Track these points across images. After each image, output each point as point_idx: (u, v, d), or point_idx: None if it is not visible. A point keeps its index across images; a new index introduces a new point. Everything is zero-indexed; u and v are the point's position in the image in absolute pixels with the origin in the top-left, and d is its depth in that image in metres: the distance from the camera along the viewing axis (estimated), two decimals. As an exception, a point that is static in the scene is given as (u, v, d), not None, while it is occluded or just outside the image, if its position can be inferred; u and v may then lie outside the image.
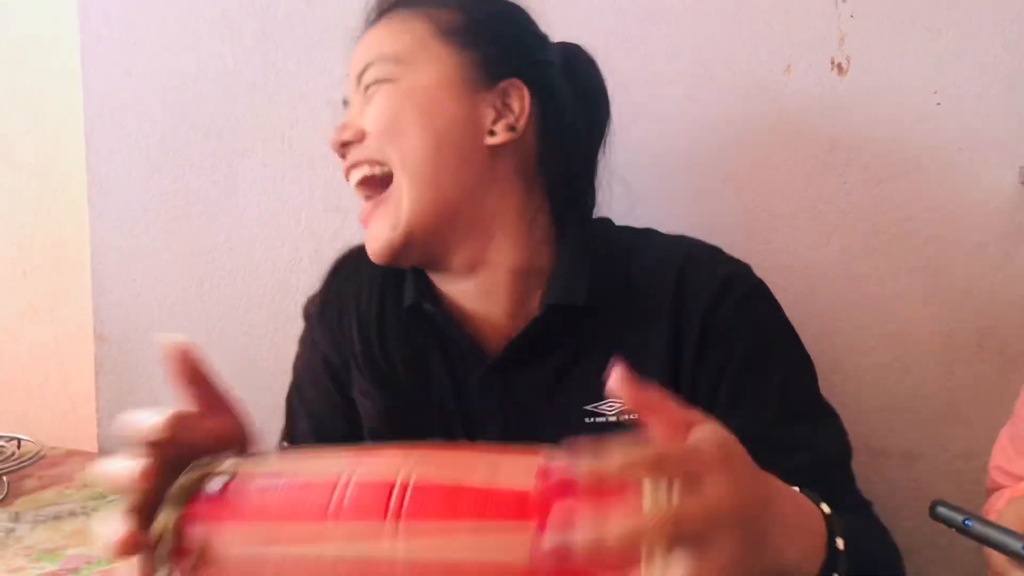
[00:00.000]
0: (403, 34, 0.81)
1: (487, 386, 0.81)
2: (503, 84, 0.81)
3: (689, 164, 1.13)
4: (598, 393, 0.77)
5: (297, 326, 1.13)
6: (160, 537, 0.52)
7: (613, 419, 0.77)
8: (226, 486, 0.53)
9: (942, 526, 0.91)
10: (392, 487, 0.50)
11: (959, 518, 0.63)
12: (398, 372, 0.84)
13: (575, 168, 0.87)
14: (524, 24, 0.87)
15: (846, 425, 1.11)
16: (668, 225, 1.11)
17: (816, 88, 1.10)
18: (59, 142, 1.31)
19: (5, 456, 1.04)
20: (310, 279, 1.11)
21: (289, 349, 1.12)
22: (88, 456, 1.15)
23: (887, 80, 1.09)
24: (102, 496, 0.99)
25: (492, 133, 0.80)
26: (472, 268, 0.81)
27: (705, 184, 1.13)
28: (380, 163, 0.79)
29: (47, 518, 0.92)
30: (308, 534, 0.50)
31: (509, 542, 0.47)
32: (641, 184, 1.12)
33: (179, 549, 0.52)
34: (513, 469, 0.51)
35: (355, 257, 0.91)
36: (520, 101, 0.81)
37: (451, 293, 0.84)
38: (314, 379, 0.90)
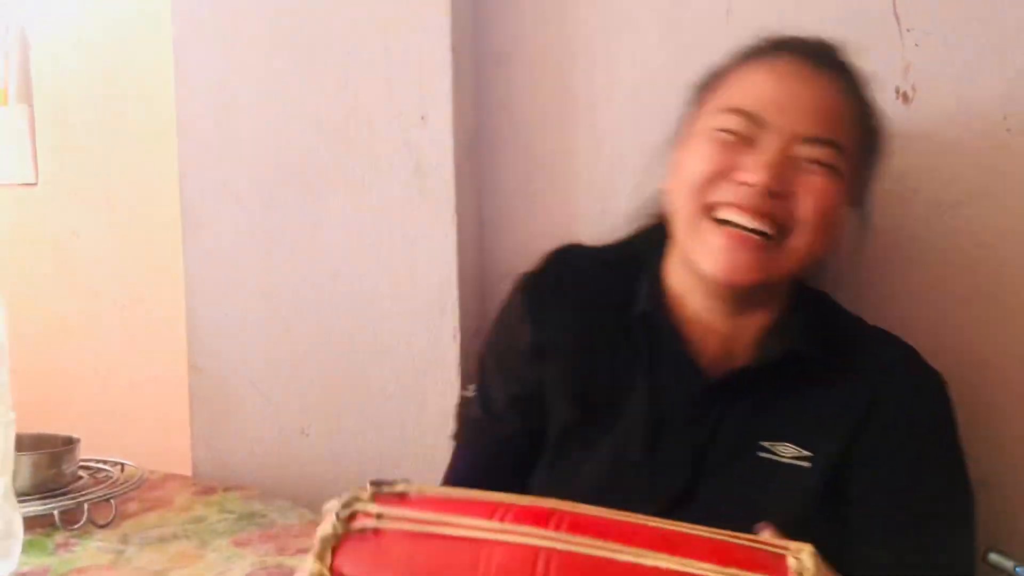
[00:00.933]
0: (854, 134, 0.86)
1: (694, 403, 0.86)
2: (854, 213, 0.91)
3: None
4: (778, 433, 0.85)
5: (378, 358, 1.18)
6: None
7: (785, 460, 0.84)
8: (374, 532, 0.57)
9: (1017, 552, 0.91)
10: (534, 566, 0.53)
11: (1011, 565, 0.64)
12: (598, 391, 0.88)
13: None
14: None
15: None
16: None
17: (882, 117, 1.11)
18: (155, 184, 1.39)
19: (111, 480, 1.11)
20: (389, 312, 1.16)
21: (368, 380, 1.18)
22: (184, 480, 1.22)
23: (954, 107, 1.10)
24: (201, 520, 1.05)
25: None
26: (754, 303, 0.88)
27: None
28: (781, 228, 0.82)
29: (153, 540, 0.98)
30: None
31: None
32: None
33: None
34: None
35: (581, 254, 0.96)
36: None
37: (698, 306, 0.89)
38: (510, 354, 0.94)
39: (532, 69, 1.20)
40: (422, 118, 1.11)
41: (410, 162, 1.12)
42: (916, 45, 1.11)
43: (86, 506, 1.02)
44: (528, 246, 1.24)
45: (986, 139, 1.09)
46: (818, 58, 0.87)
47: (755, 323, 0.89)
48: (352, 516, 0.57)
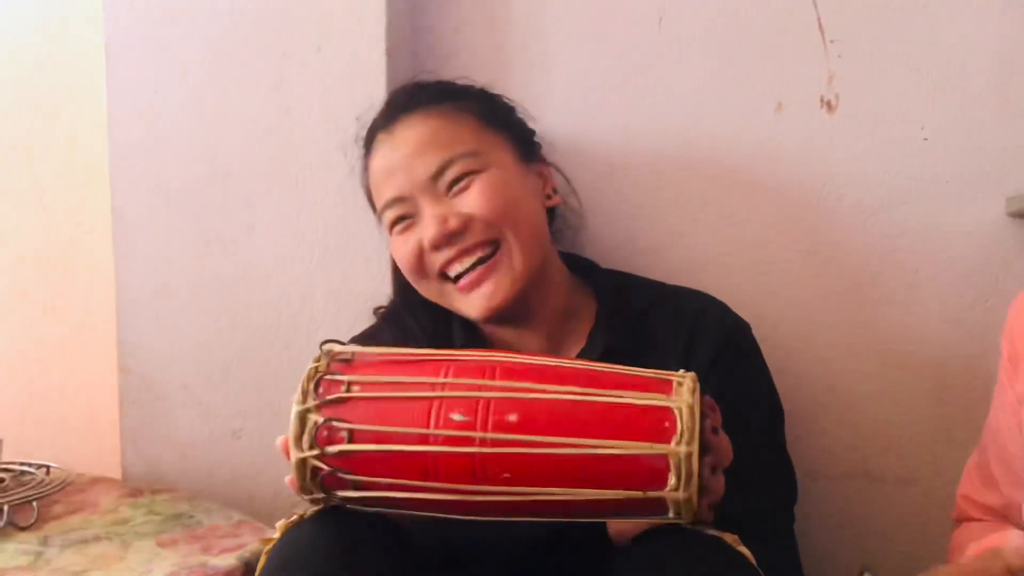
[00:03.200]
0: (462, 131, 0.95)
1: None
2: (538, 164, 1.02)
3: (684, 202, 1.17)
4: None
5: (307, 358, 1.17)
6: (311, 375, 0.72)
7: None
8: (355, 356, 0.73)
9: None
10: (488, 366, 0.70)
11: None
12: None
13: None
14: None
15: (843, 450, 1.15)
16: (666, 262, 1.15)
17: (807, 125, 1.14)
18: (87, 185, 1.37)
19: (35, 483, 1.09)
20: (323, 314, 1.16)
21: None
22: (112, 483, 1.20)
23: (875, 116, 1.14)
24: (125, 522, 1.04)
25: (549, 196, 1.01)
26: (532, 313, 0.96)
27: (701, 222, 1.17)
28: (492, 241, 0.92)
29: (74, 542, 0.97)
30: (427, 385, 0.70)
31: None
32: (637, 223, 1.17)
33: (326, 383, 0.71)
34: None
35: (398, 313, 1.05)
36: (549, 174, 1.03)
37: (500, 336, 0.98)
38: None
39: (469, 71, 1.20)
40: (356, 119, 1.11)
41: (344, 164, 1.11)
42: (839, 56, 1.15)
43: (5, 508, 1.00)
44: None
45: (905, 147, 1.13)
46: (408, 106, 0.97)
47: (552, 315, 0.97)
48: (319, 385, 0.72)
